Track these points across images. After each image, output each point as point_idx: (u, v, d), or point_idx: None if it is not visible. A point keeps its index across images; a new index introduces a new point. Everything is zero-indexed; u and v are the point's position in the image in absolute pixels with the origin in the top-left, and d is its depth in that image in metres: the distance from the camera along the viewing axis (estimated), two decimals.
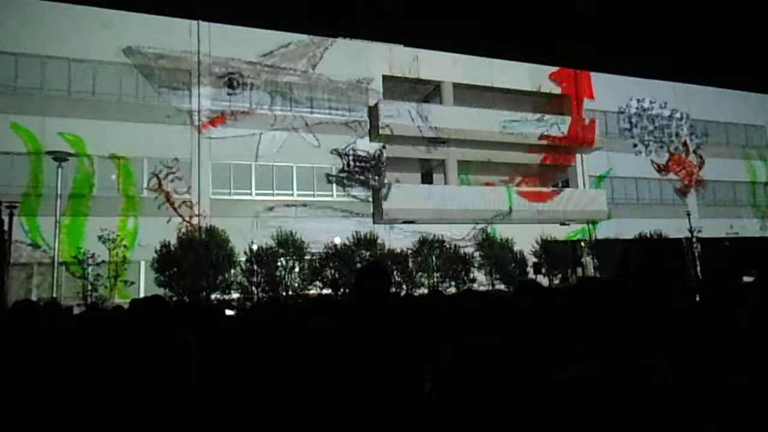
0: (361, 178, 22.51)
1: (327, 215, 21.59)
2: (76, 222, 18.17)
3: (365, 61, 23.25)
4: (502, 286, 20.11)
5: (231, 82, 20.85)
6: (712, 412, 2.07)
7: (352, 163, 22.41)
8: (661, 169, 28.78)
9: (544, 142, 25.06)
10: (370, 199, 22.48)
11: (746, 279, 16.02)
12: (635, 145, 28.51)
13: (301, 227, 19.65)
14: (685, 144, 29.73)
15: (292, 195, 21.47)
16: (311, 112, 22.12)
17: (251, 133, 20.98)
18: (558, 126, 25.22)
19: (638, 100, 29.08)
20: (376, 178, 22.64)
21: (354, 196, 22.31)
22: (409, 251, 20.27)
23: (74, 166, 18.17)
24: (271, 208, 20.73)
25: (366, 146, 22.99)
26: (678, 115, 29.96)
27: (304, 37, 22.58)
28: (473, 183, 26.30)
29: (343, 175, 22.28)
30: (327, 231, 20.22)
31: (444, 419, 2.14)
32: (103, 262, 17.58)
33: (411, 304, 4.98)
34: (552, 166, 27.09)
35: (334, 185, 22.34)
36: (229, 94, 20.83)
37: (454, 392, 2.09)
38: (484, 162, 25.55)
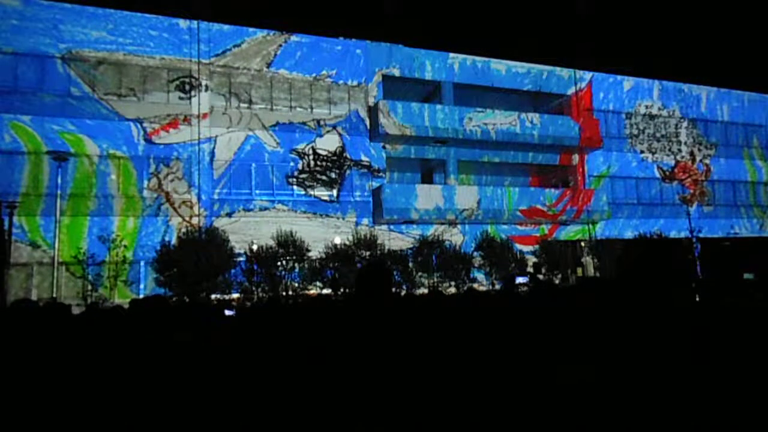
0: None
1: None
2: (76, 222, 18.17)
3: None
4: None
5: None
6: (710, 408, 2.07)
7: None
8: (666, 176, 28.76)
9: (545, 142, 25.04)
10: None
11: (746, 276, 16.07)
12: (642, 152, 28.49)
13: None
14: (692, 153, 29.73)
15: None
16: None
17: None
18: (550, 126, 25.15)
19: (646, 106, 29.06)
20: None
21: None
22: (409, 251, 20.29)
23: (74, 166, 18.24)
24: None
25: (365, 147, 23.00)
26: (685, 123, 29.97)
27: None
28: (473, 183, 26.31)
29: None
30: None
31: (445, 419, 2.13)
32: (103, 262, 17.59)
33: (412, 303, 4.98)
34: (552, 166, 27.11)
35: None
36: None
37: (455, 389, 2.09)
38: (484, 162, 25.56)
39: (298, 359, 2.60)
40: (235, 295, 17.47)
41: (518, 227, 24.37)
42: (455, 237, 22.81)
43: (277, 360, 2.72)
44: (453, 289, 18.61)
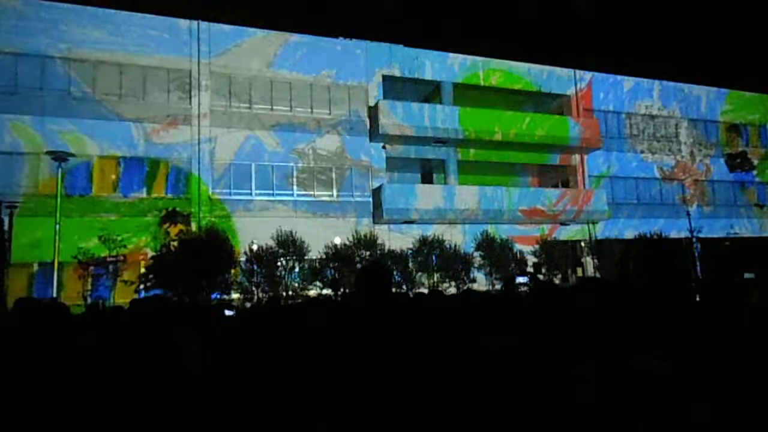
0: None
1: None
2: (76, 222, 18.15)
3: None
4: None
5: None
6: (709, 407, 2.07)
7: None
8: (666, 176, 28.74)
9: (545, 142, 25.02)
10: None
11: (747, 275, 16.07)
12: (642, 152, 28.46)
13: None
14: (692, 153, 29.72)
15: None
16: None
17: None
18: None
19: (646, 106, 29.04)
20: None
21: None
22: (409, 251, 20.28)
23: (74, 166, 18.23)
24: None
25: (364, 147, 23.00)
26: (685, 123, 29.95)
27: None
28: (473, 183, 26.30)
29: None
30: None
31: (454, 418, 2.14)
32: (104, 262, 17.56)
33: (412, 302, 4.98)
34: (552, 166, 27.11)
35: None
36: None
37: (469, 391, 2.09)
38: (484, 162, 25.55)
39: (298, 359, 2.60)
40: (235, 296, 17.46)
41: (518, 227, 24.36)
42: (455, 237, 22.79)
43: (277, 360, 2.72)
44: (453, 289, 18.60)
